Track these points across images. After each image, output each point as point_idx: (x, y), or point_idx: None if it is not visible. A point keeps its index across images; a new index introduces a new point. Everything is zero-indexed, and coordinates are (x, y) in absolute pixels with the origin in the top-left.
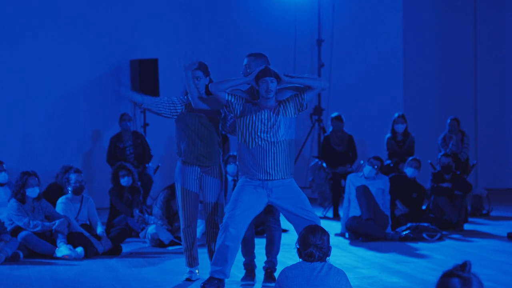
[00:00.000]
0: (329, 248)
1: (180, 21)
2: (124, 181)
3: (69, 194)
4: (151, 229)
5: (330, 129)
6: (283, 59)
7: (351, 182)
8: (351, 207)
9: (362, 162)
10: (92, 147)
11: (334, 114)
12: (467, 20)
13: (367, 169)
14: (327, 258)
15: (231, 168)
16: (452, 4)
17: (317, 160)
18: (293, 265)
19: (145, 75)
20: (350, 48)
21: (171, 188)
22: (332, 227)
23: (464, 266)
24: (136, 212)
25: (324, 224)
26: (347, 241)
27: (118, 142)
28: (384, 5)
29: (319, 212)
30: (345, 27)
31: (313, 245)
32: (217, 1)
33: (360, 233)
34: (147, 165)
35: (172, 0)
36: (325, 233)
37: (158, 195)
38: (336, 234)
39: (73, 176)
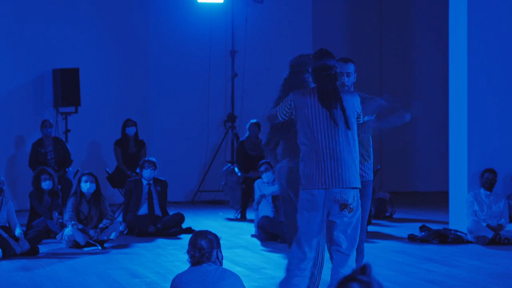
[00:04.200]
0: (211, 250)
1: (100, 32)
2: (46, 184)
3: None
4: (67, 230)
5: (246, 134)
6: (199, 69)
7: (258, 187)
8: (260, 210)
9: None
10: (16, 152)
11: (253, 120)
12: (374, 35)
13: (266, 175)
14: (217, 261)
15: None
16: (359, 20)
17: (229, 165)
18: (185, 270)
19: (67, 84)
20: (262, 58)
21: (76, 195)
22: (243, 228)
23: (364, 270)
24: (56, 214)
25: (235, 225)
26: (259, 243)
27: (40, 147)
28: (294, 18)
29: (231, 215)
30: (257, 39)
31: (194, 248)
32: (134, 14)
33: (271, 232)
34: (67, 169)
35: (92, 11)
36: (205, 236)
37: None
38: (253, 235)
39: None
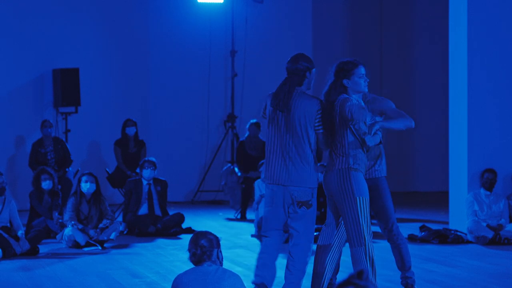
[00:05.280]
0: (212, 249)
1: (100, 32)
2: (46, 184)
3: None
4: (67, 230)
5: (246, 134)
6: (199, 69)
7: (258, 187)
8: (260, 210)
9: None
10: (16, 152)
11: (253, 120)
12: (374, 35)
13: None
14: (217, 261)
15: None
16: (359, 20)
17: (229, 165)
18: (186, 270)
19: (67, 84)
20: (262, 58)
21: (76, 195)
22: (243, 228)
23: (360, 274)
24: (56, 214)
25: (235, 225)
26: (259, 243)
27: (40, 147)
28: (294, 18)
29: (231, 215)
30: (257, 39)
31: (196, 246)
32: (134, 14)
33: None
34: (67, 169)
35: (92, 11)
36: (205, 236)
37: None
38: (252, 235)
39: None
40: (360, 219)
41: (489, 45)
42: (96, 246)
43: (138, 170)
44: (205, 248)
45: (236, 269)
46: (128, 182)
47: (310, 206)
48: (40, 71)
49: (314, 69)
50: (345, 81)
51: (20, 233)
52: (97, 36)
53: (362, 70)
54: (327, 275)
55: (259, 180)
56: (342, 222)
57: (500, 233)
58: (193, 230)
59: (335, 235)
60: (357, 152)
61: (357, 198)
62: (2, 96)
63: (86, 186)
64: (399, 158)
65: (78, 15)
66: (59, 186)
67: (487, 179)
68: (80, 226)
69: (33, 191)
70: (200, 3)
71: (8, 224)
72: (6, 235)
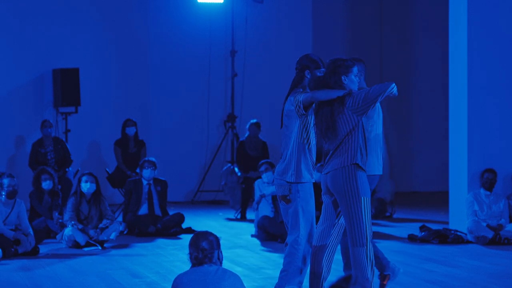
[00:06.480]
0: (213, 251)
1: (100, 32)
2: (46, 184)
3: (3, 198)
4: (67, 230)
5: (246, 134)
6: (199, 69)
7: (258, 187)
8: (259, 210)
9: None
10: (16, 152)
11: (254, 120)
12: (374, 35)
13: (266, 175)
14: (217, 262)
15: None
16: (360, 20)
17: (229, 165)
18: (186, 271)
19: (66, 84)
20: (262, 58)
21: (76, 195)
22: (243, 228)
23: (348, 279)
24: (56, 214)
25: (235, 225)
26: (258, 243)
27: (40, 147)
28: (294, 18)
29: (231, 215)
30: (257, 39)
31: (196, 249)
32: (134, 14)
33: (271, 232)
34: (67, 169)
35: (93, 11)
36: (205, 237)
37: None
38: (252, 235)
39: (6, 181)
40: (364, 219)
41: (489, 45)
42: (96, 246)
43: (138, 170)
44: (206, 251)
45: (236, 269)
46: (128, 182)
47: (288, 201)
48: (40, 71)
49: (317, 70)
50: (343, 78)
51: (29, 233)
52: (97, 36)
53: (356, 69)
54: (325, 275)
55: (259, 180)
56: (339, 221)
57: (500, 233)
58: (193, 230)
59: (331, 234)
60: (361, 151)
61: (362, 198)
62: (2, 96)
63: (86, 186)
64: (399, 158)
65: (78, 15)
66: (59, 186)
67: (487, 179)
68: (80, 226)
69: (33, 191)
70: (200, 3)
71: (14, 227)
72: (12, 234)
